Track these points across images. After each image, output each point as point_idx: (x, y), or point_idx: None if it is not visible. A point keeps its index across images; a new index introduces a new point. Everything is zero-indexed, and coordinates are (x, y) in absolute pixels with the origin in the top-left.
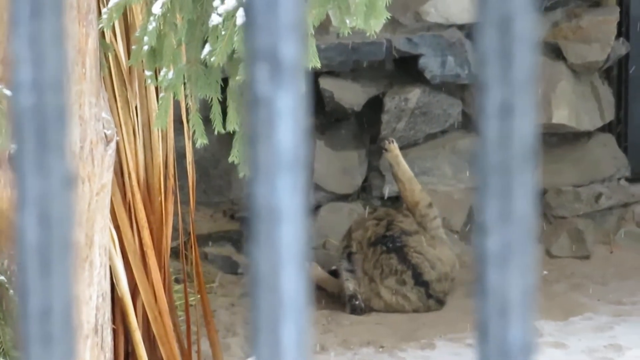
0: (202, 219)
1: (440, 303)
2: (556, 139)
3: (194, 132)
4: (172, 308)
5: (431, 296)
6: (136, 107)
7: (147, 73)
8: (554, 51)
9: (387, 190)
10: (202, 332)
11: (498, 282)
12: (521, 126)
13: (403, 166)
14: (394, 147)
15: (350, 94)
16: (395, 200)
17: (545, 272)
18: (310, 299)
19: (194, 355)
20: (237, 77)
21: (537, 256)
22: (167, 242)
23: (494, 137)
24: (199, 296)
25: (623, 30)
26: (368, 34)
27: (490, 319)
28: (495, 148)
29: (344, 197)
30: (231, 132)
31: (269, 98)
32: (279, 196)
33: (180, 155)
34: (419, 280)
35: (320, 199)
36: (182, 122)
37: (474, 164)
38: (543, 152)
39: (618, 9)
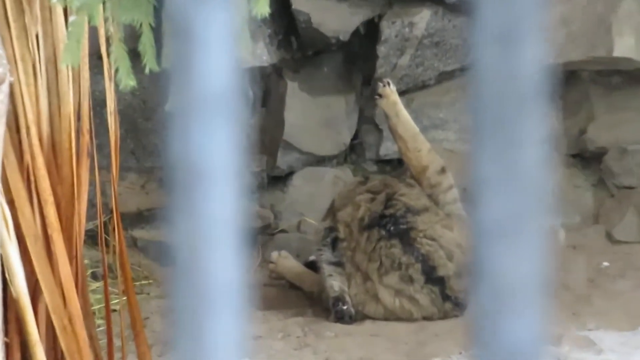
0: (130, 191)
1: (460, 307)
2: (619, 79)
3: (116, 71)
4: (88, 314)
5: (448, 297)
6: (37, 37)
7: None
8: None
9: (386, 151)
10: (129, 347)
11: (496, 266)
12: (526, 56)
13: (404, 117)
14: (390, 92)
15: (334, 18)
16: (398, 165)
17: (605, 264)
18: (247, 294)
19: None
20: None
21: (549, 231)
22: (81, 223)
23: (491, 72)
24: (125, 298)
25: None
26: None
27: (485, 313)
28: (493, 86)
29: (326, 160)
30: (168, 69)
31: (189, 21)
32: (203, 151)
33: (99, 103)
34: (432, 277)
35: (292, 162)
36: (100, 57)
37: (468, 109)
38: (601, 97)
39: None
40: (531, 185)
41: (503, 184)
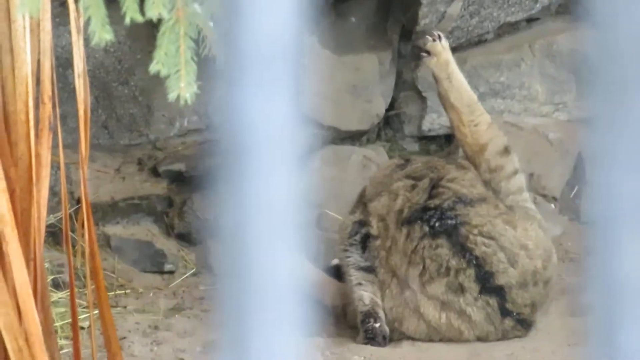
0: (103, 176)
1: (525, 325)
2: None
3: (87, 21)
4: (49, 332)
5: (509, 313)
6: None
7: None
8: None
9: (430, 124)
10: None
11: (618, 261)
12: None
13: (458, 82)
14: (441, 48)
15: None
16: (446, 143)
17: None
18: (307, 297)
19: None
20: None
21: None
22: (40, 217)
23: (615, 26)
24: (96, 312)
25: None
26: None
27: (604, 318)
28: (616, 44)
29: (354, 137)
30: (154, 20)
31: None
32: (258, 118)
33: (63, 63)
34: (488, 286)
35: (311, 139)
36: (65, 4)
37: (582, 72)
38: None
39: None
40: None
41: (625, 163)
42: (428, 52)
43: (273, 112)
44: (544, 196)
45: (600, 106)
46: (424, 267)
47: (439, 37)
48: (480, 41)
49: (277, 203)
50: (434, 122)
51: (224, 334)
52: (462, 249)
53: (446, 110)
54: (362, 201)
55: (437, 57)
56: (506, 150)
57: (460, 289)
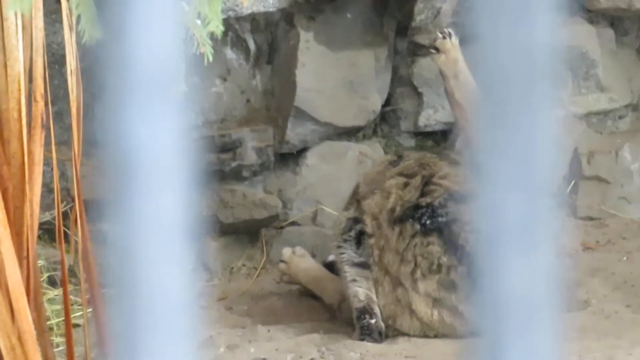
0: (97, 174)
1: None
2: None
3: (78, 18)
4: (43, 330)
5: None
6: None
7: None
8: None
9: (427, 120)
10: None
11: (503, 275)
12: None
13: (465, 80)
14: (451, 46)
15: None
16: (442, 138)
17: None
18: (197, 315)
19: None
20: None
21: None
22: (34, 214)
23: (497, 45)
24: (90, 310)
25: None
26: None
27: (489, 334)
28: (499, 61)
29: (350, 133)
30: None
31: None
32: (142, 136)
33: (58, 60)
34: None
35: (307, 136)
36: (59, 1)
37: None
38: None
39: None
40: (543, 183)
41: (508, 181)
42: (437, 49)
43: (160, 131)
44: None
45: (486, 124)
46: (415, 264)
47: (449, 34)
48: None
49: (165, 219)
50: (430, 117)
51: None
52: (453, 246)
53: (452, 107)
54: (355, 198)
55: (445, 55)
56: None
57: (452, 286)
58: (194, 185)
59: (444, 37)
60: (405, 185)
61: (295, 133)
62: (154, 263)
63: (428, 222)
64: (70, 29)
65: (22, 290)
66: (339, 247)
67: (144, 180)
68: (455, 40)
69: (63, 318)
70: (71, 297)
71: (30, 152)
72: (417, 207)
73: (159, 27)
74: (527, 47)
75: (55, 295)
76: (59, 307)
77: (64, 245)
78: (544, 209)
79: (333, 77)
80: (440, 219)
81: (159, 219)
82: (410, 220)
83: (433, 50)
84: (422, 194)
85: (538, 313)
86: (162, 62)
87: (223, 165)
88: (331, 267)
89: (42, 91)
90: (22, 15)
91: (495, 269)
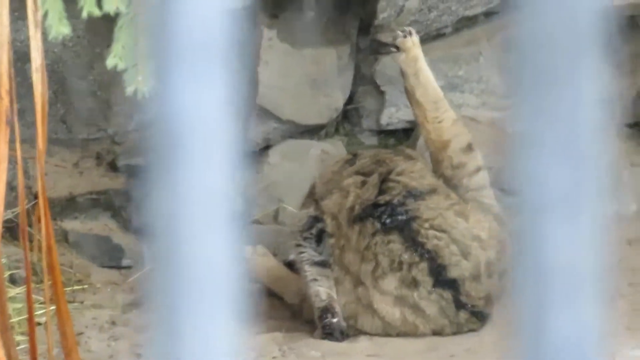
0: (60, 171)
1: (480, 317)
2: None
3: (45, 15)
4: (5, 328)
5: (463, 305)
6: None
7: None
8: None
9: (389, 118)
10: None
11: (544, 247)
12: None
13: (425, 78)
14: (412, 44)
15: None
16: (404, 136)
17: None
18: (242, 285)
19: None
20: None
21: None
22: None
23: (539, 14)
24: (53, 308)
25: None
26: None
27: (530, 305)
28: (541, 32)
29: (313, 131)
30: (112, 14)
31: None
32: (188, 108)
33: (23, 57)
34: (442, 279)
35: (269, 134)
36: None
37: (507, 61)
38: None
39: None
40: (587, 153)
41: (553, 150)
42: (397, 47)
43: (206, 101)
44: (503, 190)
45: (529, 93)
46: (376, 263)
47: (410, 32)
48: (438, 35)
49: (210, 194)
50: (393, 116)
51: (158, 326)
52: (414, 243)
53: (411, 106)
54: (313, 198)
55: (406, 53)
56: (469, 147)
57: (414, 283)
58: (237, 157)
59: (405, 36)
60: (363, 183)
61: (258, 131)
62: (197, 227)
63: (388, 220)
64: (36, 25)
65: None
66: (299, 245)
67: (189, 152)
68: (415, 39)
69: (25, 316)
70: (33, 295)
71: None
72: (376, 205)
73: None
74: (575, 7)
75: (17, 294)
76: (19, 305)
77: (27, 243)
78: (590, 174)
79: (296, 75)
80: (399, 217)
81: (204, 193)
82: (370, 218)
83: (393, 49)
84: (380, 192)
85: (583, 281)
86: (208, 34)
87: None
88: (293, 266)
89: (7, 88)
90: None
91: (539, 237)
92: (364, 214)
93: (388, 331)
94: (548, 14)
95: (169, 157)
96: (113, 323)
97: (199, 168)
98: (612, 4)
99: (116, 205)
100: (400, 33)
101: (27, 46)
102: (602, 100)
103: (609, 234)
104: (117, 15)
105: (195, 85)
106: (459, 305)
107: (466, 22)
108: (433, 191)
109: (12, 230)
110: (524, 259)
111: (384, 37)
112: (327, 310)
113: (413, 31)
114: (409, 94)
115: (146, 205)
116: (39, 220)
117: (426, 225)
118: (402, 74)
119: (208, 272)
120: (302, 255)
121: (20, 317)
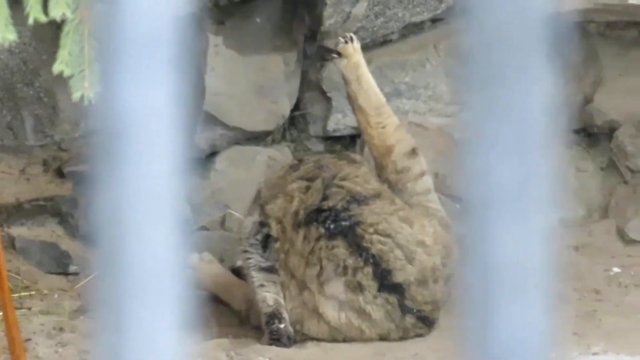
0: (7, 177)
1: (427, 322)
2: (635, 33)
3: None
4: None
5: (409, 310)
6: None
7: None
8: None
9: (335, 125)
10: None
11: (492, 244)
12: None
13: (367, 84)
14: (353, 50)
15: None
16: (350, 143)
17: (616, 270)
18: (186, 280)
19: None
20: None
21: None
22: None
23: (489, 15)
24: (0, 314)
25: None
26: None
27: (478, 302)
28: (490, 33)
29: (260, 137)
30: (58, 20)
31: None
32: (134, 104)
33: None
34: (387, 283)
35: (215, 140)
36: None
37: (458, 61)
38: (612, 56)
39: None
40: (535, 153)
41: (501, 150)
42: (339, 54)
43: (152, 104)
44: (449, 196)
45: (478, 94)
46: (321, 267)
47: (351, 39)
48: (385, 41)
49: (156, 198)
50: (339, 122)
51: (104, 333)
52: (358, 248)
53: (354, 111)
54: (258, 203)
55: (347, 59)
56: (413, 152)
57: (359, 288)
58: (184, 162)
59: (346, 42)
60: (307, 188)
61: (204, 138)
62: (142, 230)
63: (332, 225)
64: None
65: None
66: (245, 251)
67: (134, 147)
68: (357, 45)
69: None
70: None
71: None
72: (320, 210)
73: None
74: (524, 10)
75: None
76: None
77: None
78: (538, 174)
79: (242, 81)
80: (343, 223)
81: (148, 187)
82: (315, 223)
83: (335, 55)
84: (324, 197)
85: (530, 279)
86: (155, 30)
87: None
88: (239, 272)
89: None
90: None
91: (487, 236)
92: (309, 219)
93: (334, 336)
94: (497, 17)
95: (113, 161)
96: (61, 329)
97: (144, 172)
98: (561, 10)
99: (63, 211)
100: (341, 39)
101: None
102: (550, 103)
103: (556, 236)
104: (63, 21)
105: (141, 89)
106: (405, 309)
107: (413, 29)
108: (377, 196)
109: None
110: (472, 257)
111: (330, 44)
112: (274, 315)
113: (354, 37)
114: (352, 100)
115: (92, 211)
116: None
117: (370, 230)
118: (344, 80)
119: (154, 279)
120: (249, 261)
121: None
